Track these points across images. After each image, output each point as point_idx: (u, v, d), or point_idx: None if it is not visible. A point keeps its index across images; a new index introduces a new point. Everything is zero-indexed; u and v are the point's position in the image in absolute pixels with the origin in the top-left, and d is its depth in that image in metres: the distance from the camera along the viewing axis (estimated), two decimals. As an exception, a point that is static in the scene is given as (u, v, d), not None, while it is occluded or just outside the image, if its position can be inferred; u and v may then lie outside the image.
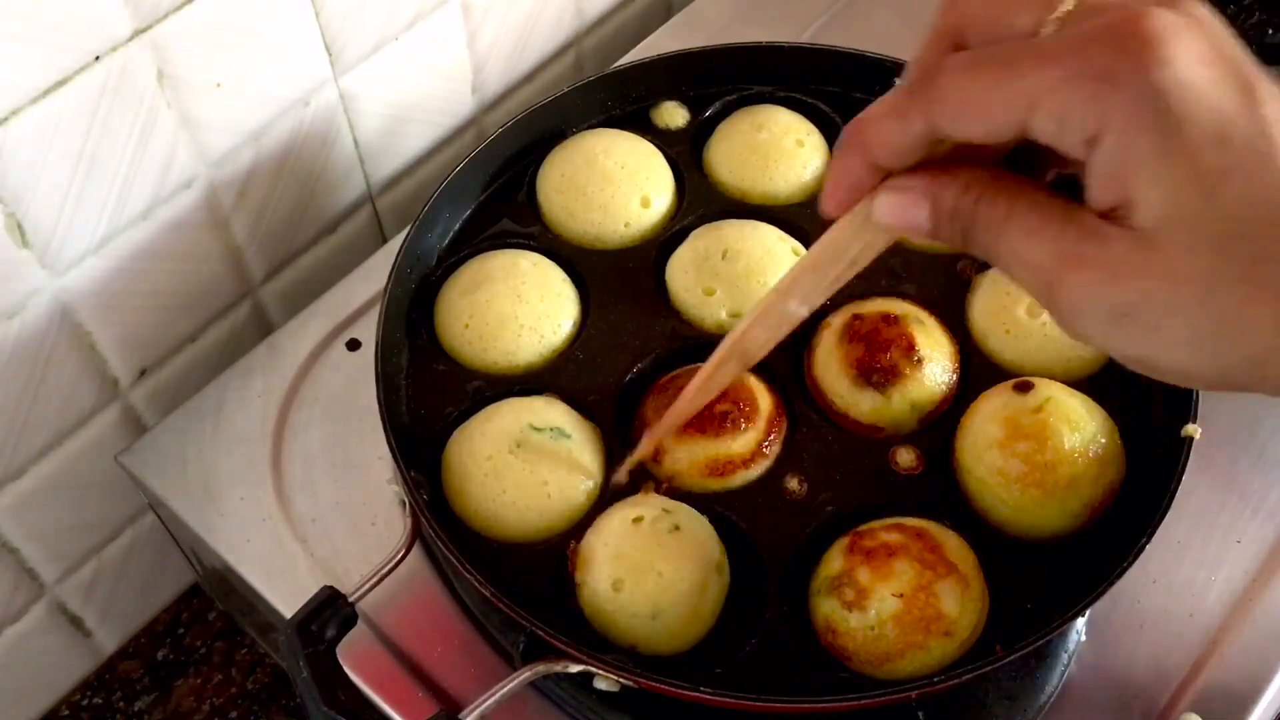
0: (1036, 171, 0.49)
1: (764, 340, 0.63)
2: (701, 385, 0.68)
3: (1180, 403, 0.72)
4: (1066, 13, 0.43)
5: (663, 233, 0.86)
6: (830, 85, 0.93)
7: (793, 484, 0.74)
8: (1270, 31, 1.09)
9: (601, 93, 0.92)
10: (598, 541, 0.69)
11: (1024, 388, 0.74)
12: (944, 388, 0.77)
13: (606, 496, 0.74)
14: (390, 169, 1.00)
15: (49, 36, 0.67)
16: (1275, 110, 0.41)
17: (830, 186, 0.51)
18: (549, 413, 0.75)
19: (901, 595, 0.66)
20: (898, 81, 0.49)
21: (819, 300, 0.59)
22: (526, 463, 0.73)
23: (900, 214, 0.49)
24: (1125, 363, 0.46)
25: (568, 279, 0.84)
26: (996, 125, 0.43)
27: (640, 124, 0.92)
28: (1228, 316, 0.42)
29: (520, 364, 0.80)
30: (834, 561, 0.70)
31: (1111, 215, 0.43)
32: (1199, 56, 0.40)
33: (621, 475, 0.73)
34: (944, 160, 0.48)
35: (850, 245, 0.54)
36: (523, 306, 0.80)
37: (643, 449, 0.72)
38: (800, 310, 0.59)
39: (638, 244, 0.86)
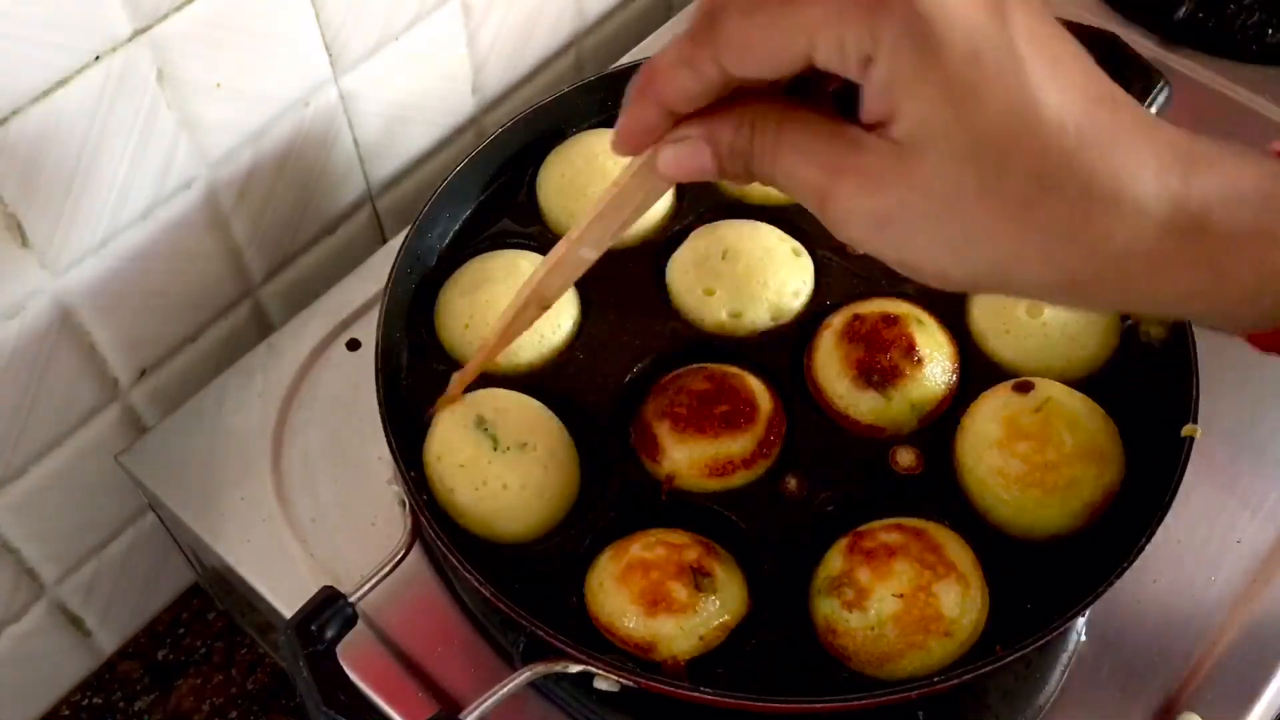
0: (817, 92, 0.50)
1: (559, 285, 0.66)
2: (503, 331, 0.69)
3: (1180, 403, 0.72)
4: None
5: (663, 233, 0.86)
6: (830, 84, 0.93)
7: (793, 484, 0.74)
8: (1270, 31, 1.09)
9: (601, 93, 0.92)
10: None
11: (1024, 388, 0.74)
12: (944, 388, 0.77)
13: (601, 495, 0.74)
14: (390, 169, 1.00)
15: (49, 36, 0.67)
16: (1022, 23, 0.43)
17: (623, 132, 0.52)
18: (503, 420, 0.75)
19: (901, 595, 0.66)
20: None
21: (608, 244, 0.61)
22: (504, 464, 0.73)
23: (684, 164, 0.51)
24: (895, 267, 0.49)
25: None
26: (782, 61, 0.45)
27: (640, 124, 0.92)
28: (973, 225, 0.45)
29: (520, 364, 0.80)
30: (834, 561, 0.70)
31: (878, 129, 0.46)
32: None
33: (453, 391, 0.74)
34: (728, 97, 0.49)
35: (636, 193, 0.56)
36: None
37: (451, 390, 0.74)
38: (591, 255, 0.62)
39: (638, 244, 0.86)
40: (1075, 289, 0.47)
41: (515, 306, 0.67)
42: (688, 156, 0.51)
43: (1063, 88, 0.43)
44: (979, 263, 0.47)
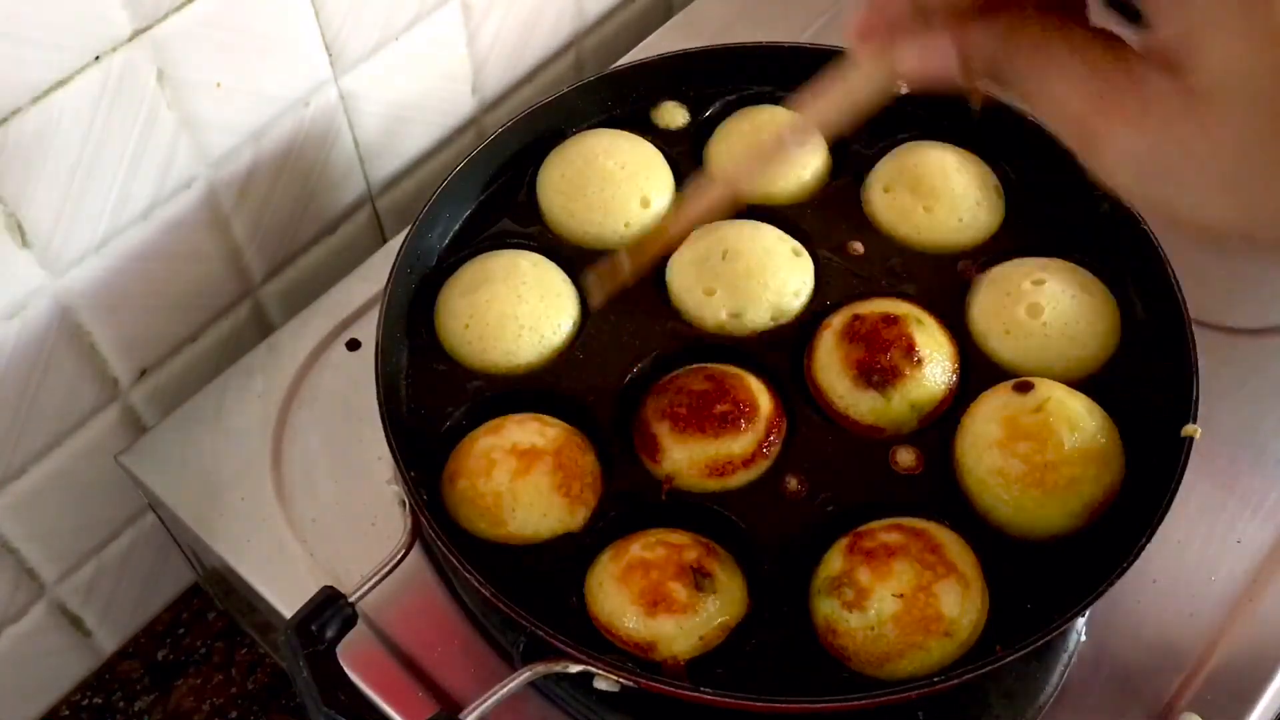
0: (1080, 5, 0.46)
1: (761, 171, 0.66)
2: (699, 214, 0.68)
3: (1180, 403, 0.72)
4: None
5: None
6: (830, 85, 0.93)
7: (793, 484, 0.74)
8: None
9: (601, 93, 0.92)
10: None
11: (1024, 388, 0.74)
12: (944, 388, 0.77)
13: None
14: (390, 169, 1.00)
15: (49, 36, 0.67)
16: None
17: (864, 25, 0.48)
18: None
19: (901, 595, 0.66)
20: None
21: (817, 137, 0.60)
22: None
23: (927, 65, 0.46)
24: (1145, 208, 0.46)
25: (568, 279, 0.84)
26: None
27: (640, 124, 0.92)
28: (1263, 177, 0.42)
29: (520, 364, 0.80)
30: (834, 562, 0.70)
31: (1164, 67, 0.41)
32: None
33: (599, 300, 0.76)
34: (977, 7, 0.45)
35: (864, 91, 0.52)
36: (522, 307, 0.80)
37: (630, 265, 0.74)
38: (799, 148, 0.61)
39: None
40: None
41: (720, 184, 0.66)
42: (931, 57, 0.46)
43: None
44: (1261, 211, 0.43)
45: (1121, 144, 0.43)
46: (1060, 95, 0.44)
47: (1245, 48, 0.40)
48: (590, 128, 0.91)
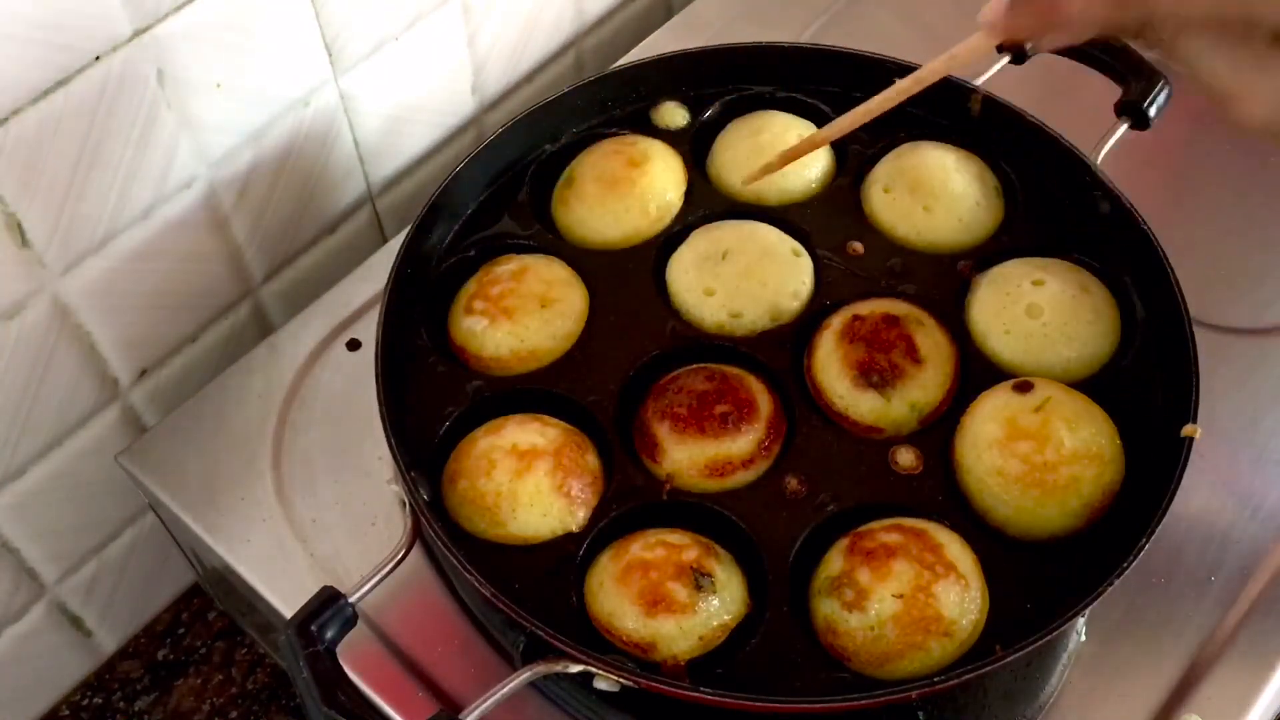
0: None
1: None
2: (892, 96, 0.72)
3: (1180, 403, 0.72)
4: None
5: (663, 233, 0.86)
6: (830, 85, 0.93)
7: (793, 484, 0.74)
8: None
9: (601, 93, 0.92)
10: None
11: (1024, 388, 0.74)
12: (944, 388, 0.77)
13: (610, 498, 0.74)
14: (390, 169, 1.00)
15: (49, 36, 0.67)
16: None
17: (1005, 23, 0.57)
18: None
19: (901, 596, 0.66)
20: None
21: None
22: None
23: (1065, 43, 0.60)
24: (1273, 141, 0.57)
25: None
26: (1219, 12, 0.52)
27: (640, 124, 0.92)
28: None
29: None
30: (834, 562, 0.70)
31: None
32: None
33: (752, 179, 0.79)
34: None
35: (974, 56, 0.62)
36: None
37: (801, 149, 0.75)
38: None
39: (638, 244, 0.86)
40: None
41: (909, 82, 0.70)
42: (1071, 40, 0.58)
43: None
44: None
45: (1254, 116, 0.54)
46: (1197, 58, 0.54)
47: None
48: (590, 128, 0.91)
